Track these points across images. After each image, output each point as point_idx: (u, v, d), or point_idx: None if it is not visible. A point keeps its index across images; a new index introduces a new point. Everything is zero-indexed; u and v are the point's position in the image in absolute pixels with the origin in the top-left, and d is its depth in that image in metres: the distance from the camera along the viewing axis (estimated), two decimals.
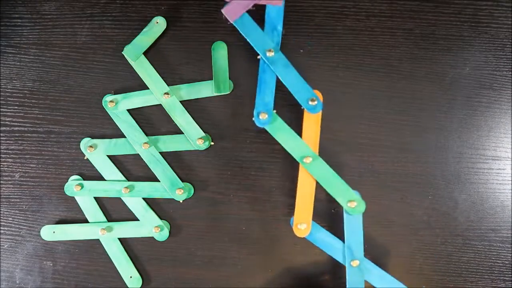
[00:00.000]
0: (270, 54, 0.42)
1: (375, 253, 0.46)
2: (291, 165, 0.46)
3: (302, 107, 0.43)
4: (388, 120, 0.46)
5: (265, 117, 0.41)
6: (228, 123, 0.47)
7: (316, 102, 0.42)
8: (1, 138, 0.48)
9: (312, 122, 0.43)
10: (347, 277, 0.42)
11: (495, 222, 0.46)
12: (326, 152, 0.46)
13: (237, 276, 0.46)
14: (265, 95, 0.42)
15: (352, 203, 0.41)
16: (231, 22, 0.41)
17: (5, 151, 0.48)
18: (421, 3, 0.46)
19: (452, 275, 0.46)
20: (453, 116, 0.46)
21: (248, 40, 0.42)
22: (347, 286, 0.42)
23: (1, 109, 0.48)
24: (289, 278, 0.46)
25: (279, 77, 0.42)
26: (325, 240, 0.43)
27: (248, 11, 0.42)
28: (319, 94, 0.43)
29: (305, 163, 0.42)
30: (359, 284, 0.42)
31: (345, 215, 0.42)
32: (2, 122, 0.48)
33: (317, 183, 0.42)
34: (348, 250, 0.42)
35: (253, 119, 0.42)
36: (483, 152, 0.46)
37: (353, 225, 0.42)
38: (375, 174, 0.46)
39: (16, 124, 0.48)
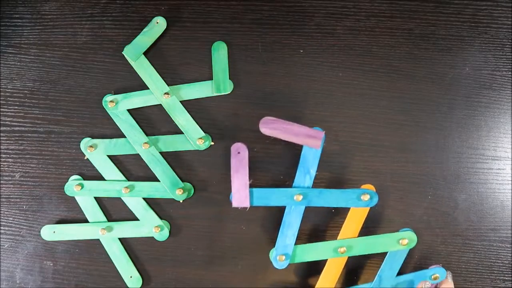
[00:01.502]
0: (298, 199, 0.41)
1: (375, 253, 0.46)
2: (291, 165, 0.46)
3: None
4: (388, 120, 0.46)
5: (282, 259, 0.42)
6: (228, 123, 0.47)
7: (369, 196, 0.41)
8: (1, 138, 0.48)
9: (358, 214, 0.42)
10: None
11: (495, 222, 0.46)
12: (326, 152, 0.46)
13: (237, 276, 0.46)
14: (287, 238, 0.42)
15: (403, 241, 0.41)
16: (248, 207, 0.41)
17: (5, 151, 0.48)
18: (421, 3, 0.46)
19: (452, 275, 0.46)
20: (453, 116, 0.46)
21: (271, 205, 0.42)
22: None
23: (1, 109, 0.48)
24: (289, 278, 0.46)
25: (321, 205, 0.42)
26: None
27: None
28: (371, 187, 0.42)
29: (340, 252, 0.42)
30: None
31: (389, 252, 0.42)
32: (2, 122, 0.48)
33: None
34: (377, 278, 0.42)
35: (271, 258, 0.42)
36: (483, 152, 0.46)
37: (396, 258, 0.42)
38: (375, 174, 0.46)
39: (16, 124, 0.48)
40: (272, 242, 0.46)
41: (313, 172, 0.41)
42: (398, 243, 0.42)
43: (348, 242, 0.42)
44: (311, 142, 0.40)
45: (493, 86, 0.46)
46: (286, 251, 0.42)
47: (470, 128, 0.46)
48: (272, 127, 0.40)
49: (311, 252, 0.42)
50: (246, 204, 0.40)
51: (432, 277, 0.42)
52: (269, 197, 0.41)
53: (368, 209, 0.42)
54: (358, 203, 0.41)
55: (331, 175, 0.45)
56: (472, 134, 0.46)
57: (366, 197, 0.41)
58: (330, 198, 0.41)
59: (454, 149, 0.46)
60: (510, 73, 0.46)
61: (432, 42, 0.46)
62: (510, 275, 0.46)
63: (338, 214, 0.45)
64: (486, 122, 0.46)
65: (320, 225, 0.46)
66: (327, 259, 0.43)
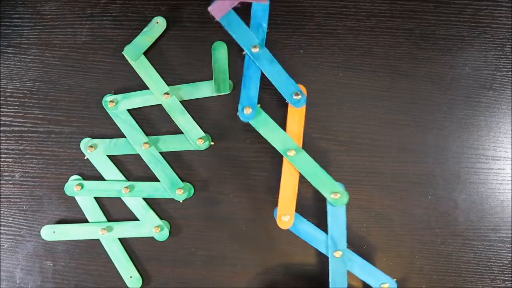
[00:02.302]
0: (255, 50, 0.43)
1: (375, 253, 0.46)
2: None
3: (286, 101, 0.43)
4: (388, 120, 0.46)
5: (249, 111, 0.42)
6: (228, 123, 0.47)
7: (300, 97, 0.43)
8: (1, 138, 0.48)
9: (296, 116, 0.44)
10: (329, 268, 0.42)
11: (495, 222, 0.46)
12: (326, 152, 0.46)
13: (237, 276, 0.46)
14: (250, 90, 0.43)
15: (335, 195, 0.42)
16: (217, 19, 0.42)
17: (5, 151, 0.48)
18: (421, 3, 0.46)
19: (452, 275, 0.46)
20: (453, 116, 0.46)
21: (233, 36, 0.43)
22: (330, 277, 0.42)
23: (1, 109, 0.48)
24: (289, 278, 0.46)
25: (264, 72, 0.43)
26: (309, 232, 0.43)
27: (235, 9, 0.43)
28: (303, 89, 0.44)
29: (289, 156, 0.42)
30: (342, 275, 0.42)
31: (328, 206, 0.43)
32: (2, 122, 0.48)
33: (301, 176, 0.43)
34: (331, 241, 0.43)
35: (238, 114, 0.43)
36: (483, 152, 0.46)
37: (337, 216, 0.43)
38: (375, 174, 0.46)
39: (16, 124, 0.48)
40: (272, 241, 0.46)
41: (265, 25, 0.43)
42: (330, 194, 0.42)
43: (298, 149, 0.43)
44: None
45: (493, 86, 0.46)
46: (251, 103, 0.43)
47: (470, 128, 0.46)
48: (220, 10, 0.42)
49: (269, 128, 0.43)
50: (218, 16, 0.42)
51: (382, 286, 0.43)
52: (235, 29, 0.43)
53: (303, 110, 0.44)
54: (289, 98, 0.43)
55: (331, 174, 0.45)
56: (472, 134, 0.46)
57: (297, 96, 0.43)
58: (274, 71, 0.43)
59: (454, 149, 0.46)
60: (510, 73, 0.46)
61: (432, 42, 0.46)
62: (510, 275, 0.46)
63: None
64: (486, 122, 0.46)
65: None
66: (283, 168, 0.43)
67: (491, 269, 0.46)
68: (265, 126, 0.43)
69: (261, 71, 0.43)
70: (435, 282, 0.46)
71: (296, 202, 0.43)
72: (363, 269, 0.43)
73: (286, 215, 0.42)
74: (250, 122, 0.43)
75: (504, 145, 0.46)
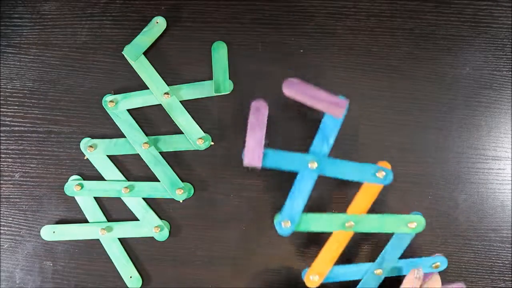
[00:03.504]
0: (313, 167, 0.40)
1: (375, 253, 0.45)
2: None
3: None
4: (388, 120, 0.46)
5: (288, 225, 0.40)
6: (228, 123, 0.47)
7: (384, 173, 0.40)
8: (1, 138, 0.48)
9: (370, 191, 0.41)
10: (362, 279, 0.42)
11: (495, 222, 0.46)
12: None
13: (237, 276, 0.46)
14: (296, 203, 0.40)
15: (412, 224, 0.41)
16: (260, 167, 0.39)
17: (5, 151, 0.48)
18: (421, 3, 0.46)
19: (452, 275, 0.46)
20: (453, 116, 0.46)
21: (284, 169, 0.40)
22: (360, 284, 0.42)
23: (1, 109, 0.48)
24: (289, 278, 0.46)
25: (335, 176, 0.40)
26: (351, 270, 0.43)
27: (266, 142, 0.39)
28: (387, 165, 0.41)
29: (348, 228, 0.41)
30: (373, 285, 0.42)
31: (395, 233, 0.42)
32: (2, 122, 0.48)
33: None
34: (380, 259, 0.42)
35: (275, 223, 0.40)
36: (483, 152, 0.46)
37: (401, 241, 0.42)
38: None
39: (16, 124, 0.48)
40: (273, 241, 0.46)
41: (331, 141, 0.40)
42: (406, 225, 0.41)
43: (356, 217, 0.41)
44: (333, 110, 0.39)
45: (493, 86, 0.46)
46: (292, 218, 0.40)
47: (470, 128, 0.46)
48: (296, 90, 0.38)
49: (318, 222, 0.41)
50: (258, 164, 0.38)
51: (433, 265, 0.42)
52: (283, 161, 0.39)
53: (381, 187, 0.41)
54: (373, 179, 0.40)
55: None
56: (472, 134, 0.46)
57: (381, 174, 0.40)
58: (345, 169, 0.40)
59: (454, 149, 0.46)
60: (510, 73, 0.46)
61: (432, 42, 0.46)
62: (511, 276, 0.46)
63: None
64: (486, 122, 0.46)
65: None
66: (331, 236, 0.42)
67: (491, 269, 0.46)
68: (312, 225, 0.41)
69: (313, 184, 0.40)
70: None
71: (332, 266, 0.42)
72: (407, 267, 0.42)
73: (315, 275, 0.41)
74: (295, 230, 0.40)
75: (504, 145, 0.46)
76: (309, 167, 0.39)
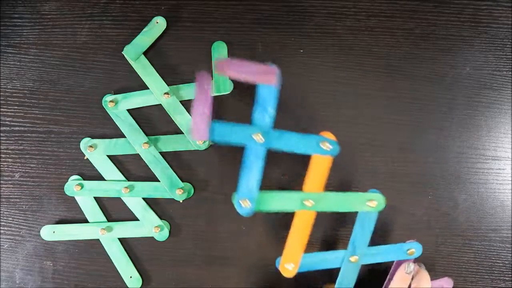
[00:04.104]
0: (258, 139, 0.38)
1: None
2: (291, 165, 0.46)
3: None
4: (388, 120, 0.46)
5: (247, 204, 0.38)
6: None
7: (329, 145, 0.39)
8: (1, 138, 0.48)
9: (320, 164, 0.40)
10: (341, 270, 0.41)
11: (495, 222, 0.46)
12: None
13: (237, 276, 0.46)
14: (250, 180, 0.39)
15: (372, 202, 0.40)
16: (211, 141, 0.38)
17: (5, 151, 0.48)
18: (421, 3, 0.46)
19: (452, 275, 0.46)
20: (453, 116, 0.46)
21: (230, 142, 0.38)
22: (338, 278, 0.41)
23: (1, 109, 0.48)
24: (289, 278, 0.46)
25: (280, 149, 0.39)
26: (320, 261, 0.41)
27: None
28: (330, 135, 0.40)
29: (307, 206, 0.39)
30: (351, 279, 0.41)
31: (359, 213, 0.41)
32: (2, 122, 0.48)
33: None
34: (351, 245, 0.41)
35: (234, 203, 0.39)
36: (483, 152, 0.46)
37: (366, 221, 0.41)
38: (375, 174, 0.46)
39: (16, 124, 0.48)
40: (273, 241, 0.46)
41: (271, 111, 0.39)
42: (365, 204, 0.40)
43: (315, 195, 0.40)
44: (266, 79, 0.38)
45: (493, 86, 0.46)
46: (250, 195, 0.38)
47: (470, 128, 0.46)
48: (228, 69, 0.38)
49: (277, 200, 0.40)
50: (205, 137, 0.38)
51: (408, 251, 0.41)
52: (229, 134, 0.38)
53: (330, 159, 0.40)
54: (318, 150, 0.39)
55: (331, 175, 0.45)
56: (472, 134, 0.46)
57: (325, 145, 0.39)
58: (291, 141, 0.39)
59: (454, 149, 0.46)
60: (510, 73, 0.46)
61: (432, 42, 0.46)
62: (511, 276, 0.46)
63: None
64: (486, 122, 0.46)
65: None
66: (294, 218, 0.40)
67: (491, 269, 0.46)
68: (271, 203, 0.39)
69: (263, 158, 0.39)
70: None
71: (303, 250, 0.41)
72: (384, 254, 0.41)
73: (290, 263, 0.40)
74: (254, 211, 0.39)
75: (504, 145, 0.46)
76: (254, 139, 0.38)
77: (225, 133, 0.38)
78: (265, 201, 0.39)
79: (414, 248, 0.41)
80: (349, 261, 0.41)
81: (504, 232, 0.46)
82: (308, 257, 0.41)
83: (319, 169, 0.40)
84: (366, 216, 0.41)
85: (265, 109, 0.39)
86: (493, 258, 0.46)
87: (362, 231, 0.41)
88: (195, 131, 0.37)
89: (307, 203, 0.39)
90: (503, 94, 0.46)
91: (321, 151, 0.39)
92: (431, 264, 0.45)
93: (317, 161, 0.40)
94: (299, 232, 0.40)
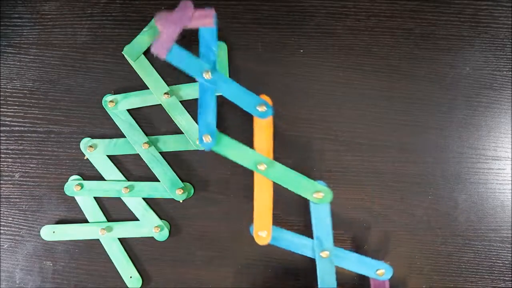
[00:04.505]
0: (207, 76, 0.41)
1: (375, 253, 0.46)
2: (291, 165, 0.46)
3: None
4: (388, 120, 0.46)
5: (208, 139, 0.41)
6: (228, 123, 0.47)
7: (265, 108, 0.41)
8: (1, 138, 0.48)
9: (263, 127, 0.42)
10: (317, 269, 0.41)
11: (495, 222, 0.46)
12: (326, 152, 0.46)
13: (237, 276, 0.46)
14: (207, 117, 0.41)
15: (318, 194, 0.41)
16: (163, 58, 0.40)
17: (5, 151, 0.48)
18: (421, 3, 0.46)
19: (452, 275, 0.46)
20: (453, 116, 0.46)
21: (183, 69, 0.41)
22: (318, 277, 0.41)
23: (1, 109, 0.48)
24: (289, 278, 0.46)
25: (223, 95, 0.41)
26: (291, 241, 0.42)
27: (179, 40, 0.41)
28: (267, 99, 0.41)
29: (260, 170, 0.41)
30: (330, 274, 0.41)
31: (311, 206, 0.41)
32: (2, 122, 0.48)
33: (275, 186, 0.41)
34: (317, 241, 0.41)
35: (198, 142, 0.41)
36: (483, 152, 0.46)
37: (321, 215, 0.41)
38: (375, 174, 0.46)
39: (16, 124, 0.48)
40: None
41: (214, 48, 0.41)
42: (312, 195, 0.41)
43: (268, 161, 0.41)
44: (204, 22, 0.41)
45: (493, 86, 0.46)
46: (209, 130, 0.41)
47: (470, 128, 0.46)
48: (163, 48, 0.40)
49: (234, 150, 0.41)
50: (163, 55, 0.40)
51: (378, 271, 0.41)
52: (184, 61, 0.41)
53: (270, 121, 0.41)
54: (254, 111, 0.41)
55: (331, 174, 0.45)
56: (472, 134, 0.46)
57: (262, 108, 0.41)
58: (233, 91, 0.41)
59: (454, 149, 0.46)
60: (510, 73, 0.46)
61: (432, 42, 0.46)
62: (511, 276, 0.46)
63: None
64: (486, 122, 0.46)
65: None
66: (254, 184, 0.42)
67: (491, 269, 0.46)
68: (230, 148, 0.41)
69: (216, 96, 0.42)
70: (436, 282, 0.46)
71: (272, 215, 0.41)
72: (354, 262, 0.42)
73: (263, 231, 0.41)
74: (213, 149, 0.41)
75: (504, 145, 0.46)
76: (203, 76, 0.41)
77: (181, 59, 0.41)
78: (224, 145, 0.41)
79: (384, 270, 0.41)
80: (321, 256, 0.41)
81: (504, 232, 0.46)
82: (278, 232, 0.42)
83: (262, 131, 0.41)
84: (318, 210, 0.41)
85: (210, 48, 0.41)
86: (493, 258, 0.46)
87: (320, 224, 0.41)
88: (157, 46, 0.40)
89: (261, 166, 0.41)
90: (503, 94, 0.46)
91: (256, 113, 0.41)
92: (431, 264, 0.45)
93: (258, 123, 0.41)
94: (262, 197, 0.41)
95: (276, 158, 0.41)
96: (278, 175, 0.41)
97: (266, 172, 0.41)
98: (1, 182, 0.48)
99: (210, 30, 0.41)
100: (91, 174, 0.47)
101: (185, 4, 0.40)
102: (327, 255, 0.41)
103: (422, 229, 0.46)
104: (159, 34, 0.40)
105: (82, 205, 0.47)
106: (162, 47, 0.40)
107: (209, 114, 0.41)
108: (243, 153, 0.41)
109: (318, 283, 0.42)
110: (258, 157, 0.41)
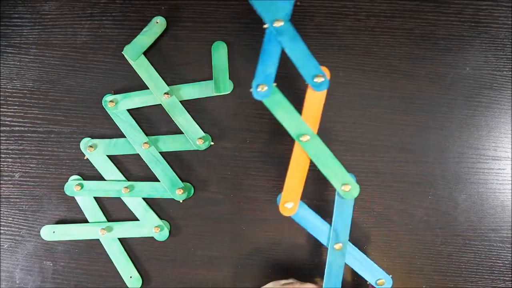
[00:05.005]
0: (278, 24, 0.39)
1: (375, 253, 0.46)
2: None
3: (306, 83, 0.40)
4: (388, 120, 0.46)
5: (264, 89, 0.39)
6: (228, 123, 0.47)
7: (322, 79, 0.40)
8: (1, 138, 0.48)
9: (315, 100, 0.41)
10: (327, 260, 0.41)
11: (495, 222, 0.46)
12: None
13: (237, 276, 0.46)
14: (267, 67, 0.39)
15: (346, 187, 0.40)
16: None
17: (5, 151, 0.48)
18: (421, 3, 0.46)
19: (452, 275, 0.46)
20: (453, 116, 0.46)
21: (256, 9, 0.39)
22: (326, 268, 0.41)
23: (1, 109, 0.48)
24: (289, 278, 0.46)
25: (285, 50, 0.40)
26: (311, 221, 0.42)
27: None
28: (326, 71, 0.40)
29: (302, 141, 0.40)
30: (338, 267, 0.42)
31: (336, 197, 0.41)
32: (2, 122, 0.48)
33: (311, 163, 0.41)
34: (333, 233, 0.41)
35: (251, 90, 0.39)
36: (483, 152, 0.46)
37: (343, 208, 0.41)
38: (375, 174, 0.46)
39: (16, 124, 0.48)
40: (273, 241, 0.46)
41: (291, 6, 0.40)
42: (340, 187, 0.40)
43: (311, 133, 0.40)
44: None
45: (493, 86, 0.46)
46: (267, 81, 0.39)
47: (470, 128, 0.46)
48: None
49: (283, 111, 0.40)
50: None
51: (378, 281, 0.42)
52: (260, 2, 0.39)
53: (323, 95, 0.41)
54: (310, 82, 0.40)
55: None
56: (472, 134, 0.46)
57: (319, 79, 0.40)
58: (296, 50, 0.40)
59: (454, 149, 0.46)
60: (510, 73, 0.46)
61: (432, 42, 0.46)
62: (511, 276, 0.46)
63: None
64: (486, 122, 0.46)
65: None
66: (292, 155, 0.41)
67: (491, 269, 0.46)
68: (280, 107, 0.40)
69: (282, 48, 0.40)
70: (435, 282, 0.46)
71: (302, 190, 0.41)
72: (361, 263, 0.42)
73: (290, 202, 0.40)
74: (264, 102, 0.40)
75: (504, 145, 0.46)
76: (275, 26, 0.39)
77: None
78: (276, 102, 0.40)
79: (385, 281, 0.42)
80: (334, 248, 0.41)
81: (504, 232, 0.46)
82: (304, 209, 0.41)
83: (313, 103, 0.41)
84: (342, 203, 0.41)
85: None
86: (493, 258, 0.46)
87: (341, 218, 0.41)
88: None
89: (303, 138, 0.40)
90: (503, 94, 0.46)
91: (312, 84, 0.40)
92: (431, 264, 0.45)
93: (311, 94, 0.41)
94: (296, 169, 0.40)
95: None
96: (316, 151, 0.40)
97: (307, 145, 0.40)
98: (1, 182, 0.48)
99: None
100: (91, 174, 0.47)
101: None
102: (340, 248, 0.41)
103: (422, 229, 0.46)
104: None
105: (82, 205, 0.47)
106: None
107: (271, 64, 0.40)
108: (291, 117, 0.40)
109: (325, 273, 0.41)
110: (304, 128, 0.40)
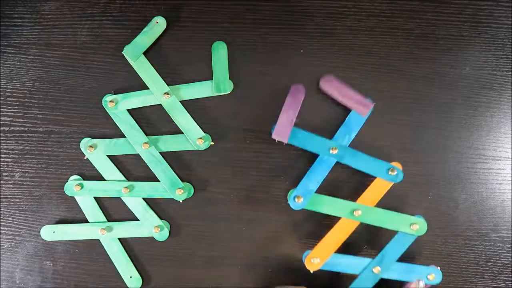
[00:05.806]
0: (333, 152, 0.43)
1: (376, 253, 0.45)
2: (291, 165, 0.46)
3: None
4: (388, 120, 0.46)
5: (300, 200, 0.42)
6: (228, 123, 0.47)
7: (396, 172, 0.43)
8: (1, 138, 0.48)
9: (381, 186, 0.44)
10: (359, 277, 0.43)
11: (495, 222, 0.46)
12: None
13: (237, 276, 0.46)
14: (311, 183, 0.43)
15: (414, 226, 0.43)
16: (286, 142, 0.42)
17: (5, 151, 0.48)
18: (421, 3, 0.46)
19: (452, 275, 0.46)
20: (453, 116, 0.46)
21: (307, 149, 0.43)
22: (353, 285, 0.43)
23: (1, 109, 0.48)
24: (289, 278, 0.46)
25: (349, 165, 0.44)
26: (343, 263, 0.43)
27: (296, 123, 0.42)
28: (398, 165, 0.44)
29: (356, 216, 0.43)
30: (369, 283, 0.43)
31: (399, 232, 0.43)
32: (2, 122, 0.48)
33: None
34: (379, 257, 0.43)
35: (288, 198, 0.43)
36: (483, 152, 0.46)
37: (403, 242, 0.43)
38: None
39: (16, 124, 0.48)
40: (272, 241, 0.46)
41: (353, 135, 0.44)
42: (409, 226, 0.43)
43: (365, 208, 0.43)
44: (360, 109, 0.43)
45: (493, 86, 0.46)
46: (305, 195, 0.43)
47: (470, 128, 0.46)
48: (331, 86, 0.44)
49: (328, 204, 0.43)
50: (285, 138, 0.42)
51: (429, 276, 0.43)
52: (307, 141, 0.43)
53: (391, 184, 0.44)
54: (384, 175, 0.43)
55: (331, 175, 0.45)
56: (472, 134, 0.46)
57: (393, 172, 0.43)
58: (361, 161, 0.43)
59: (454, 149, 0.46)
60: (510, 73, 0.46)
61: (432, 42, 0.46)
62: (511, 276, 0.46)
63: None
64: (486, 122, 0.46)
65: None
66: (338, 221, 0.43)
67: (491, 269, 0.46)
68: (322, 205, 0.43)
69: (330, 168, 0.44)
70: None
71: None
72: (402, 272, 0.43)
73: (317, 258, 0.43)
74: (306, 208, 0.43)
75: (504, 145, 0.46)
76: (330, 152, 0.43)
77: (304, 140, 0.43)
78: (317, 203, 0.43)
79: (434, 274, 0.43)
80: (371, 270, 0.43)
81: (504, 232, 0.46)
82: (335, 258, 0.43)
83: (378, 189, 0.44)
84: (404, 237, 0.43)
85: (349, 132, 0.44)
86: (493, 258, 0.46)
87: (395, 249, 0.43)
88: (279, 131, 0.42)
89: (356, 213, 0.43)
90: (503, 94, 0.46)
91: (387, 177, 0.43)
92: (431, 264, 0.45)
93: (379, 183, 0.44)
94: (338, 236, 0.43)
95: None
96: (372, 218, 0.43)
97: (360, 217, 0.43)
98: (1, 182, 0.48)
99: (359, 118, 0.44)
100: (91, 174, 0.47)
101: (297, 89, 0.42)
102: (378, 271, 0.43)
103: None
104: (279, 118, 0.42)
105: (82, 205, 0.47)
106: (283, 131, 0.42)
107: (314, 181, 0.43)
108: (337, 205, 0.43)
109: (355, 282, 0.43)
110: (355, 206, 0.43)
